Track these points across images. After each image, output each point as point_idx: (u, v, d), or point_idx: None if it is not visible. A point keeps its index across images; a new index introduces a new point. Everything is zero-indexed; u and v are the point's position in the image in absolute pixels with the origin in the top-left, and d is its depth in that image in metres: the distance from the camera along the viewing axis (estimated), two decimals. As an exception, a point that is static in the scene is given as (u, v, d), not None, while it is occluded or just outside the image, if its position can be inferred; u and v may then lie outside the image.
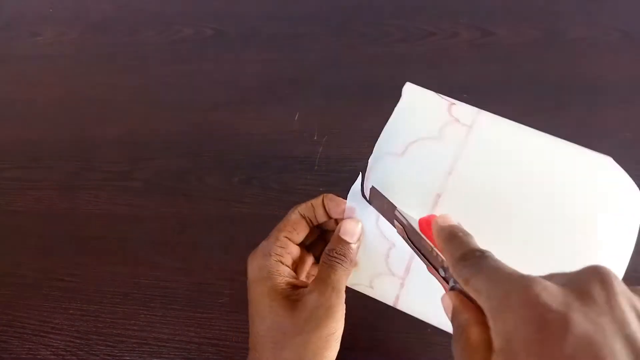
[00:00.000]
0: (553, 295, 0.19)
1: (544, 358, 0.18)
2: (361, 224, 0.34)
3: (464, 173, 0.32)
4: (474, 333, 0.22)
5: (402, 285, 0.34)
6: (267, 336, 0.31)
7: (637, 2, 0.63)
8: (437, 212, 0.31)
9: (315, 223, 0.36)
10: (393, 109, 0.35)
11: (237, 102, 0.60)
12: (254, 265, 0.33)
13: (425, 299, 0.33)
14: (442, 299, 0.26)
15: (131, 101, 0.62)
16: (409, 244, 0.30)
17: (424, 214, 0.31)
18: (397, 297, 0.34)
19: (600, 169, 0.33)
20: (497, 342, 0.21)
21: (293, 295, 0.32)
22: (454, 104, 0.35)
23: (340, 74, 0.61)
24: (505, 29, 0.62)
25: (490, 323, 0.21)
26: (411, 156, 0.33)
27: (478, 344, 0.21)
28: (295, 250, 0.35)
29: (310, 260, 0.38)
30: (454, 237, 0.26)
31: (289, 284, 0.33)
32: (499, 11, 0.64)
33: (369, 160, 0.34)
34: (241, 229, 0.50)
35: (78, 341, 0.46)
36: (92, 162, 0.57)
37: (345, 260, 0.33)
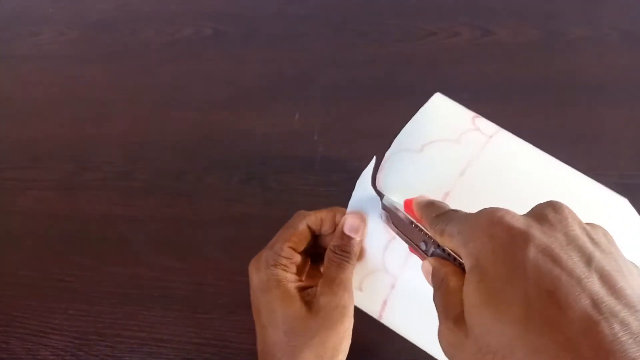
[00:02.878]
0: (515, 218, 0.23)
1: (509, 265, 0.21)
2: (365, 218, 0.33)
3: (475, 177, 0.32)
4: (452, 281, 0.25)
5: (393, 286, 0.33)
6: (284, 342, 0.32)
7: (637, 2, 0.63)
8: None
9: (318, 233, 0.35)
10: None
11: (237, 102, 0.60)
12: (261, 275, 0.33)
13: (414, 307, 0.33)
14: (422, 265, 0.28)
15: (131, 101, 0.62)
16: (392, 229, 0.31)
17: None
18: (385, 303, 0.34)
19: (614, 209, 0.32)
20: (468, 263, 0.23)
21: (305, 297, 0.33)
22: (478, 117, 0.35)
23: (340, 74, 0.61)
24: (505, 29, 0.62)
25: (462, 252, 0.24)
26: (428, 154, 0.33)
27: (456, 288, 0.24)
28: (298, 259, 0.35)
29: (307, 261, 0.37)
30: (431, 203, 0.29)
31: (297, 288, 0.33)
32: (499, 11, 0.64)
33: (386, 154, 0.34)
34: (241, 229, 0.50)
35: (78, 341, 0.46)
36: (92, 162, 0.57)
37: (351, 256, 0.33)
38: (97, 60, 0.67)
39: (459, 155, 0.33)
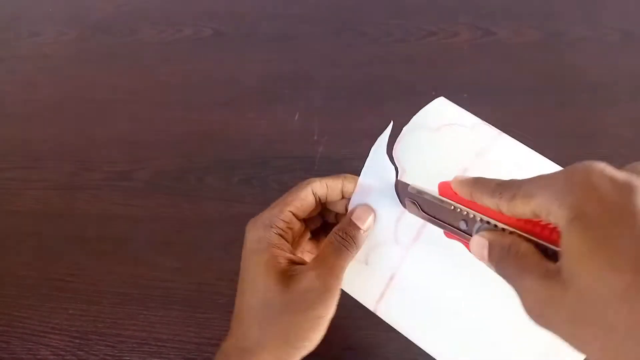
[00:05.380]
0: (615, 170, 0.22)
1: (618, 213, 0.20)
2: (374, 213, 0.33)
3: (490, 160, 0.33)
4: (523, 245, 0.24)
5: (402, 259, 0.32)
6: (256, 310, 0.31)
7: (637, 2, 0.63)
8: None
9: (324, 201, 0.34)
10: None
11: (237, 102, 0.60)
12: (253, 235, 0.32)
13: (420, 288, 0.33)
14: (471, 242, 0.26)
15: (131, 101, 0.62)
16: (422, 217, 0.30)
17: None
18: (391, 279, 0.33)
19: None
20: (566, 217, 0.21)
21: (289, 271, 0.31)
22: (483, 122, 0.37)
23: (340, 74, 0.61)
24: (505, 29, 0.62)
25: (554, 208, 0.22)
26: (444, 134, 0.35)
27: (529, 251, 0.23)
28: (297, 226, 0.33)
29: (307, 235, 0.37)
30: (479, 178, 0.27)
31: (287, 259, 0.31)
32: (499, 11, 0.64)
33: (403, 129, 0.34)
34: (241, 229, 0.49)
35: (78, 341, 0.46)
36: (92, 162, 0.57)
37: (353, 245, 0.32)
38: (97, 60, 0.67)
39: (473, 140, 0.34)
